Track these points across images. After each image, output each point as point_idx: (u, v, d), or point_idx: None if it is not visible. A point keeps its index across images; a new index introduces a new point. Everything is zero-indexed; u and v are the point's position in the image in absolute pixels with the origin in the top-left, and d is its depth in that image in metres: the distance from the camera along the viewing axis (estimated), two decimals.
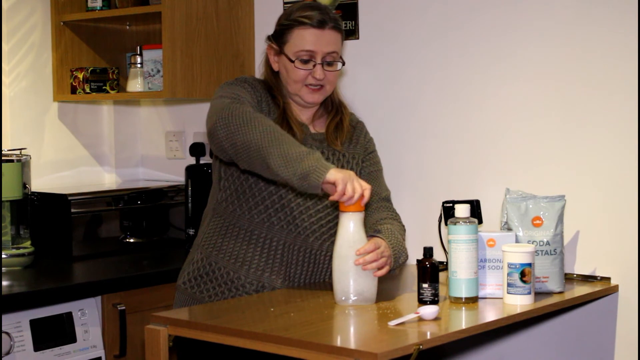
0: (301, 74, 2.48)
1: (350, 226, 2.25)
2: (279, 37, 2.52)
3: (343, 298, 2.27)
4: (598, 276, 2.63)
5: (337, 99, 2.62)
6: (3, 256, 2.95)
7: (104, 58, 3.54)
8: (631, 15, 2.54)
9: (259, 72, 2.74)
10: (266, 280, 2.46)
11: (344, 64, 2.54)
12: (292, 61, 2.47)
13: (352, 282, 2.25)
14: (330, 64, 2.50)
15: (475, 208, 2.60)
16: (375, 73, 3.05)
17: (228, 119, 2.30)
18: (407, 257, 2.47)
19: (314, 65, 2.47)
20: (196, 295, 2.52)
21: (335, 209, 2.46)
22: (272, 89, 2.54)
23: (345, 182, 2.19)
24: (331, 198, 2.22)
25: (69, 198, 3.17)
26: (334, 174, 2.18)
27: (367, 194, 2.22)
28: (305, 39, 2.47)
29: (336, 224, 2.44)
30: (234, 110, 2.32)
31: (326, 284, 2.53)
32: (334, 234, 2.45)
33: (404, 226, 2.60)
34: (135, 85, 3.35)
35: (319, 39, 2.47)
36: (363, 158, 2.62)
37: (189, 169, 3.36)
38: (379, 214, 2.55)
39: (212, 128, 2.34)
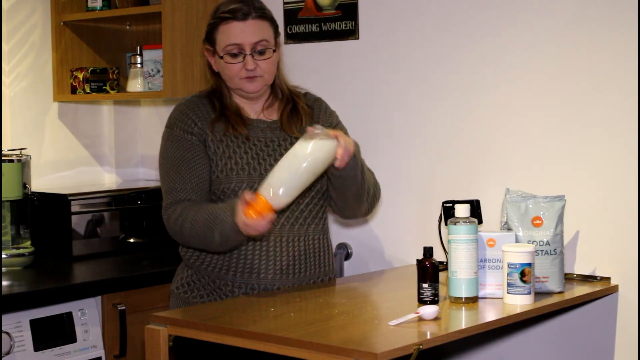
0: (233, 68, 2.47)
1: (309, 144, 2.27)
2: (210, 38, 2.52)
3: (275, 190, 2.27)
4: (598, 276, 2.63)
5: (285, 87, 2.60)
6: (3, 256, 2.95)
7: (104, 58, 3.55)
8: (631, 15, 2.54)
9: None
10: (254, 280, 2.46)
11: (275, 50, 2.51)
12: (222, 58, 2.48)
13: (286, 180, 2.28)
14: (262, 52, 2.48)
15: (475, 208, 2.60)
16: (375, 73, 3.05)
17: (176, 235, 2.47)
18: (377, 188, 2.57)
19: (244, 57, 2.47)
20: (189, 300, 2.52)
21: (316, 193, 2.49)
22: (214, 92, 2.55)
23: (255, 229, 2.28)
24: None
25: (69, 198, 3.17)
26: (243, 230, 2.29)
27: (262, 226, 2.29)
28: (230, 33, 2.46)
29: (317, 206, 2.47)
30: (175, 232, 2.46)
31: (326, 284, 2.53)
32: (317, 216, 2.46)
33: (378, 186, 2.64)
34: (135, 85, 3.35)
35: (243, 31, 2.45)
36: None
37: None
38: None
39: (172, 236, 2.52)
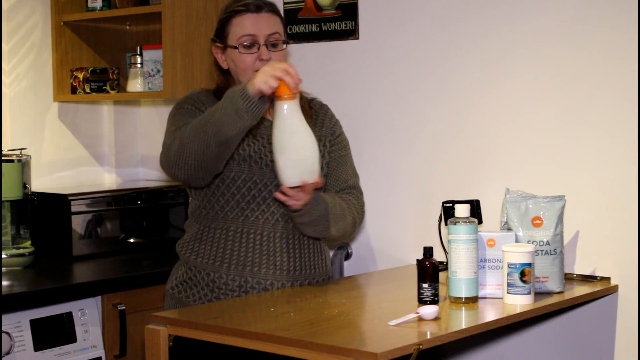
0: (248, 59, 2.49)
1: (284, 109, 2.28)
2: (221, 34, 2.54)
3: (293, 179, 2.31)
4: (598, 276, 2.63)
5: None
6: (3, 256, 2.95)
7: (104, 58, 3.55)
8: (631, 15, 2.54)
9: None
10: (248, 274, 2.46)
11: (287, 43, 2.55)
12: (237, 48, 2.49)
13: (295, 163, 2.29)
14: (274, 45, 2.51)
15: (475, 208, 2.60)
16: (375, 73, 3.05)
17: (176, 155, 2.34)
18: (346, 225, 2.52)
19: (259, 48, 2.49)
20: (183, 299, 2.52)
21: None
22: (222, 92, 2.55)
23: (267, 81, 2.22)
24: (278, 92, 2.26)
25: (69, 198, 3.17)
26: (253, 86, 2.22)
27: (291, 71, 2.26)
28: (244, 24, 2.49)
29: None
30: (174, 152, 2.35)
31: (326, 284, 2.53)
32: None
33: (360, 211, 2.60)
34: (135, 85, 3.35)
35: (258, 22, 2.49)
36: (331, 140, 2.62)
37: None
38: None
39: (172, 175, 2.41)
